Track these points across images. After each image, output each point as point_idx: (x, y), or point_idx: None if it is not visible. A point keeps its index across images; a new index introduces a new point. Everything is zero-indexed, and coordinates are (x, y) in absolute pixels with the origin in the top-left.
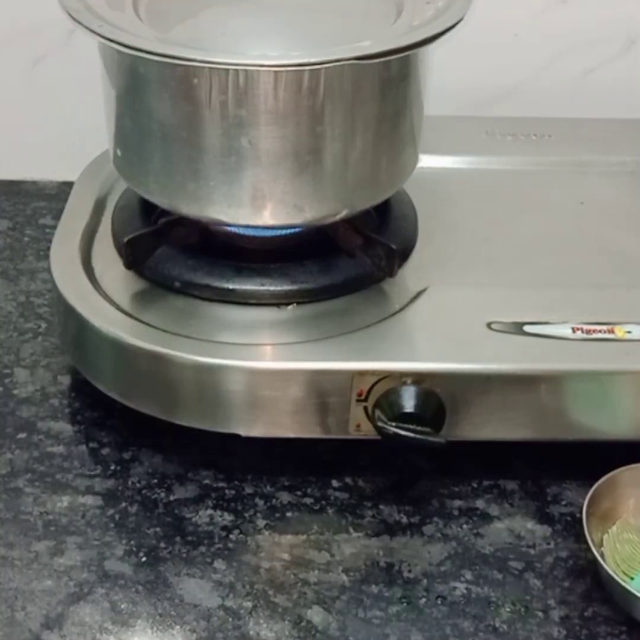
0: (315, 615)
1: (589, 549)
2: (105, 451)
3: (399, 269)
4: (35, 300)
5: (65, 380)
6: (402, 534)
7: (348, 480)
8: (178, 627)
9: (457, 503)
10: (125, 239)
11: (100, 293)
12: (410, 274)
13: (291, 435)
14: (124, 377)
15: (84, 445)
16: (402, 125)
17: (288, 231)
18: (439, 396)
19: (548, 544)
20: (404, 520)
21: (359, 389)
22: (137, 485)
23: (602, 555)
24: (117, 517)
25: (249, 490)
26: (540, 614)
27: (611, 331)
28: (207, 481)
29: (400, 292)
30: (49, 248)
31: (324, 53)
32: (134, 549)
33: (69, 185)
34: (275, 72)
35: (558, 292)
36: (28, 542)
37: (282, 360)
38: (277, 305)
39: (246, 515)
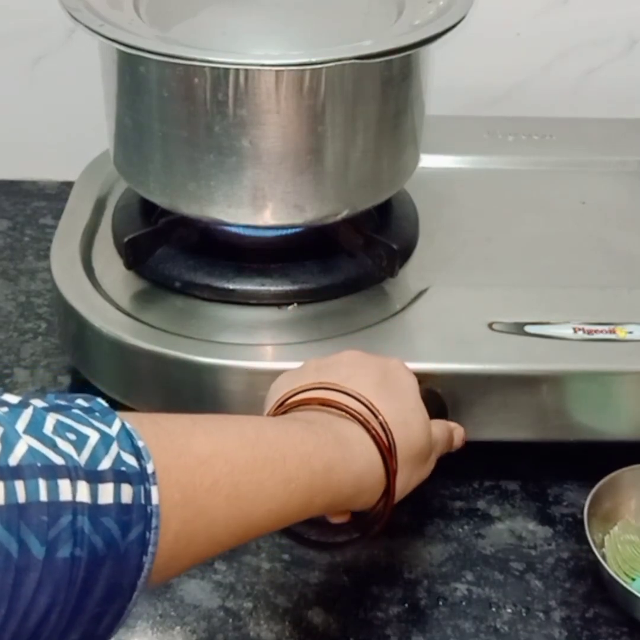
0: (316, 616)
1: (590, 550)
2: None
3: (400, 269)
4: (35, 300)
5: (65, 380)
6: (402, 534)
7: None
8: (178, 628)
9: (458, 504)
10: (126, 239)
11: (100, 293)
12: (412, 274)
13: None
14: (124, 377)
15: None
16: (403, 125)
17: (289, 231)
18: (441, 396)
19: (549, 545)
20: (405, 520)
21: None
22: None
23: (603, 556)
24: None
25: None
26: (541, 615)
27: (612, 331)
28: None
29: (402, 292)
30: (49, 248)
31: (325, 52)
32: None
33: (69, 185)
34: (276, 71)
35: (559, 292)
36: None
37: (282, 360)
38: (278, 305)
39: None
